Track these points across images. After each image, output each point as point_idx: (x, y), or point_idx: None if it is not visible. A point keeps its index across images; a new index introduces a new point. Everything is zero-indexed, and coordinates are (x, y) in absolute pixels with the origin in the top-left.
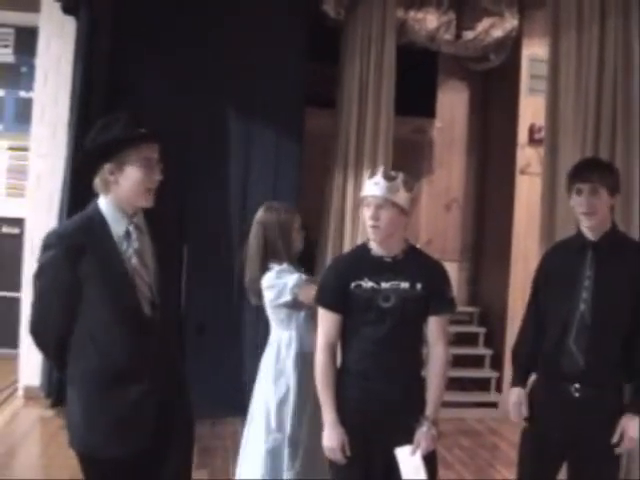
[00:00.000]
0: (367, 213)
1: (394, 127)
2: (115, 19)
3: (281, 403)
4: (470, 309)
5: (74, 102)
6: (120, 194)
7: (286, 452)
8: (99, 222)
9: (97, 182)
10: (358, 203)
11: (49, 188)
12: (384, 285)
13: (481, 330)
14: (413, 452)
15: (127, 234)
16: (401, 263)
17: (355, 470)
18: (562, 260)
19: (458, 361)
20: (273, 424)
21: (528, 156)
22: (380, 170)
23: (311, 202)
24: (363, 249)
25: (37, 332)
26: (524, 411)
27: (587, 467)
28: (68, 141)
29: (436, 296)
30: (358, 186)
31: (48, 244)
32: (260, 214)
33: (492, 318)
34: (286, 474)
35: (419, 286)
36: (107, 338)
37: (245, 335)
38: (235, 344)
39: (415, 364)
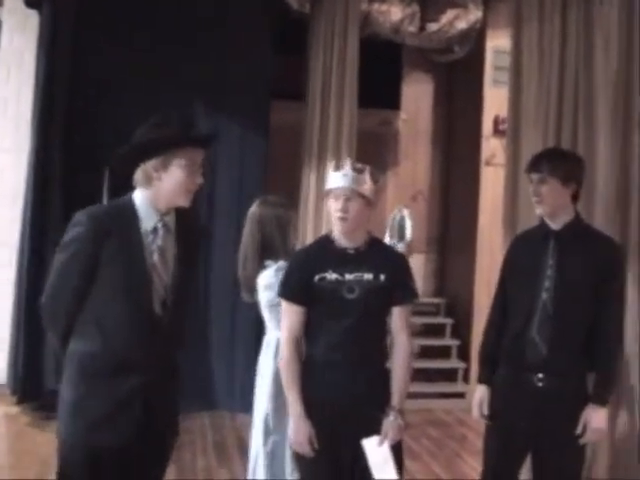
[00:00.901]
0: (335, 205)
1: (359, 119)
2: (78, 13)
3: (278, 405)
4: (437, 300)
5: (37, 96)
6: (160, 191)
7: (287, 454)
8: (130, 212)
9: (138, 175)
10: (322, 195)
11: (12, 182)
12: (348, 277)
13: (448, 321)
14: (381, 443)
15: (154, 230)
16: (364, 254)
17: (322, 463)
18: (525, 250)
19: (425, 352)
20: (271, 426)
21: (493, 147)
22: (347, 162)
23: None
24: (326, 241)
25: (49, 306)
26: (484, 410)
27: (551, 457)
28: (31, 135)
29: (399, 286)
30: (321, 178)
31: (76, 222)
32: (255, 209)
33: (459, 309)
34: (290, 475)
35: (382, 277)
36: (112, 326)
37: (213, 331)
38: (203, 340)
39: (380, 355)
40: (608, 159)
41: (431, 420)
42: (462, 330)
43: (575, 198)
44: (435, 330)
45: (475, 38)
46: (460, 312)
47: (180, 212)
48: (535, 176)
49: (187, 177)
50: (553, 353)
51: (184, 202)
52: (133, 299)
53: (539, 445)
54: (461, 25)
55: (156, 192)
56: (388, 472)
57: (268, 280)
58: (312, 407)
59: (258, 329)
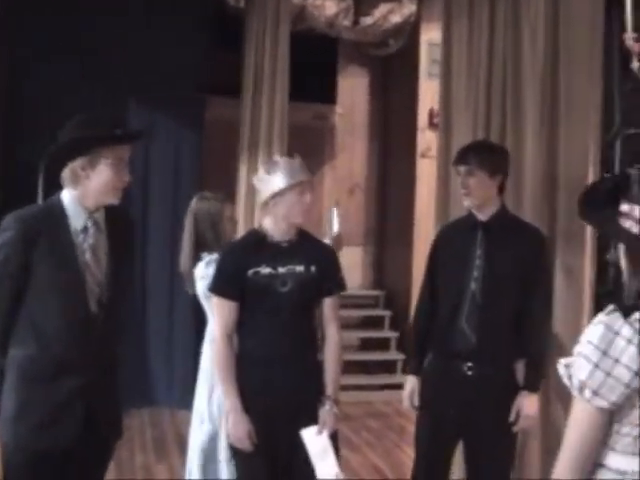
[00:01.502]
0: (303, 198)
1: (295, 114)
2: (10, 3)
3: (212, 392)
4: (375, 292)
5: None
6: (89, 189)
7: (222, 452)
8: (59, 213)
9: (66, 174)
10: (252, 189)
11: None
12: (281, 270)
13: (386, 313)
14: (319, 432)
15: (85, 229)
16: (296, 247)
17: (260, 457)
18: (453, 240)
19: (365, 344)
20: (206, 415)
21: (428, 140)
22: (294, 156)
23: (215, 190)
24: (257, 234)
25: None
26: (415, 401)
27: (482, 445)
28: None
29: (328, 278)
30: (252, 172)
31: (5, 226)
32: (192, 204)
33: (397, 301)
34: (225, 475)
35: (313, 269)
36: (49, 328)
37: (151, 327)
38: (141, 336)
39: (314, 347)
40: (536, 150)
41: (371, 412)
42: (401, 322)
43: (501, 190)
44: (374, 322)
45: (410, 31)
46: (398, 304)
47: (109, 209)
48: (463, 168)
49: (115, 175)
50: (482, 342)
51: (113, 200)
52: (67, 299)
53: (469, 433)
54: (395, 19)
55: (84, 191)
56: (328, 461)
57: (201, 272)
58: (248, 402)
59: (197, 324)
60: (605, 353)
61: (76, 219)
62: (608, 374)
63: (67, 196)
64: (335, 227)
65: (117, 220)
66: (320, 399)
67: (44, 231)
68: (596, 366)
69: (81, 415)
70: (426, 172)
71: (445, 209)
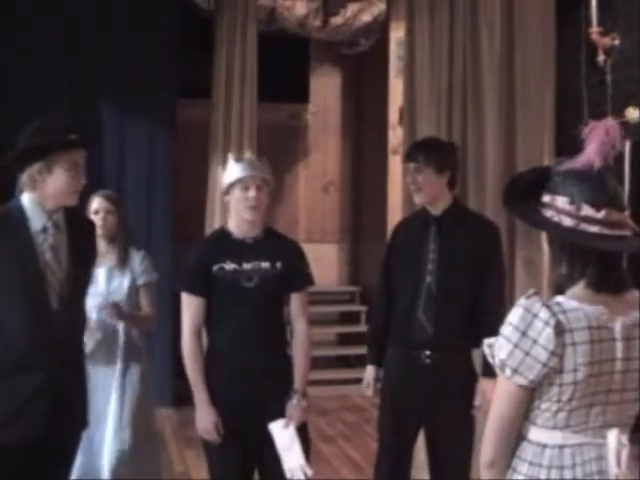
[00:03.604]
0: (247, 194)
1: (268, 114)
2: None
3: None
4: (351, 288)
5: None
6: (46, 193)
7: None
8: (18, 215)
9: (24, 178)
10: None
11: None
12: (246, 266)
13: (362, 308)
14: (286, 425)
15: (44, 229)
16: (261, 244)
17: (231, 449)
18: (408, 235)
19: (342, 339)
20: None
21: (399, 136)
22: (249, 152)
23: (189, 191)
24: (222, 232)
25: None
26: (372, 388)
27: (443, 431)
28: None
29: (295, 273)
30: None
31: None
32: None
33: (373, 296)
34: (106, 475)
35: (279, 265)
36: (12, 326)
37: None
38: None
39: (281, 342)
40: (495, 146)
41: (347, 406)
42: None
43: (452, 184)
44: (350, 318)
45: (380, 30)
46: (374, 299)
47: (69, 210)
48: (411, 166)
49: (71, 179)
50: (438, 332)
51: (70, 202)
52: (29, 297)
53: (430, 420)
54: (366, 18)
55: (42, 194)
56: (294, 453)
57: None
58: (217, 395)
59: None
60: (524, 334)
61: (36, 220)
62: (527, 353)
63: (27, 198)
64: None
65: (76, 220)
66: (288, 392)
67: (4, 233)
68: (516, 346)
69: (46, 410)
70: (398, 168)
71: (413, 204)
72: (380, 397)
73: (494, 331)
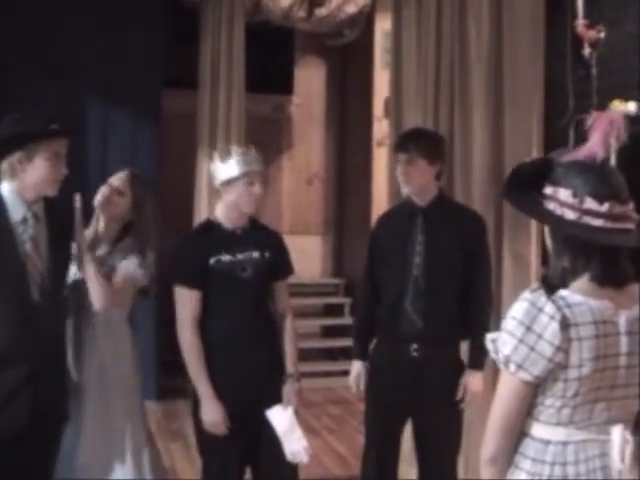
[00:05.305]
0: (252, 189)
1: (253, 105)
2: None
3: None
4: (335, 281)
5: None
6: (26, 182)
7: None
8: None
9: (4, 167)
10: (214, 180)
11: None
12: (240, 256)
13: (347, 300)
14: (284, 408)
15: (24, 220)
16: (249, 234)
17: (233, 440)
18: (393, 227)
19: (326, 331)
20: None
21: (384, 129)
22: (249, 146)
23: (174, 183)
24: (211, 224)
25: None
26: (361, 384)
27: (430, 424)
28: None
29: (279, 262)
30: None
31: None
32: None
33: (357, 288)
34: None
35: (267, 254)
36: None
37: None
38: None
39: (275, 330)
40: (483, 138)
41: (332, 398)
42: None
43: (438, 176)
44: (334, 310)
45: (365, 21)
46: (358, 291)
47: (48, 201)
48: (403, 156)
49: (52, 169)
50: (427, 324)
51: (51, 192)
52: (10, 289)
53: (417, 413)
54: (351, 9)
55: (22, 183)
56: (296, 435)
57: None
58: (217, 387)
59: None
60: (529, 328)
61: (15, 211)
62: (532, 349)
63: (6, 189)
64: None
65: (56, 211)
66: (282, 377)
67: None
68: (520, 341)
69: (29, 403)
70: (383, 161)
71: (398, 197)
72: (366, 390)
73: (482, 323)
